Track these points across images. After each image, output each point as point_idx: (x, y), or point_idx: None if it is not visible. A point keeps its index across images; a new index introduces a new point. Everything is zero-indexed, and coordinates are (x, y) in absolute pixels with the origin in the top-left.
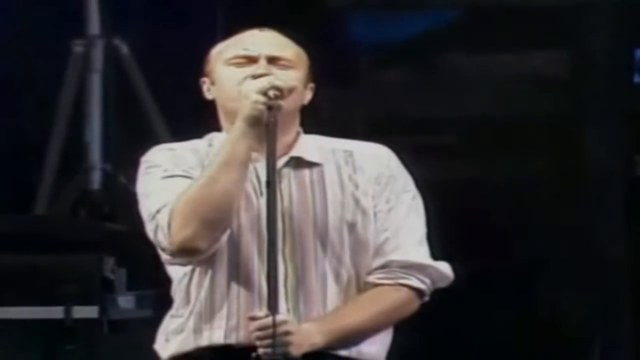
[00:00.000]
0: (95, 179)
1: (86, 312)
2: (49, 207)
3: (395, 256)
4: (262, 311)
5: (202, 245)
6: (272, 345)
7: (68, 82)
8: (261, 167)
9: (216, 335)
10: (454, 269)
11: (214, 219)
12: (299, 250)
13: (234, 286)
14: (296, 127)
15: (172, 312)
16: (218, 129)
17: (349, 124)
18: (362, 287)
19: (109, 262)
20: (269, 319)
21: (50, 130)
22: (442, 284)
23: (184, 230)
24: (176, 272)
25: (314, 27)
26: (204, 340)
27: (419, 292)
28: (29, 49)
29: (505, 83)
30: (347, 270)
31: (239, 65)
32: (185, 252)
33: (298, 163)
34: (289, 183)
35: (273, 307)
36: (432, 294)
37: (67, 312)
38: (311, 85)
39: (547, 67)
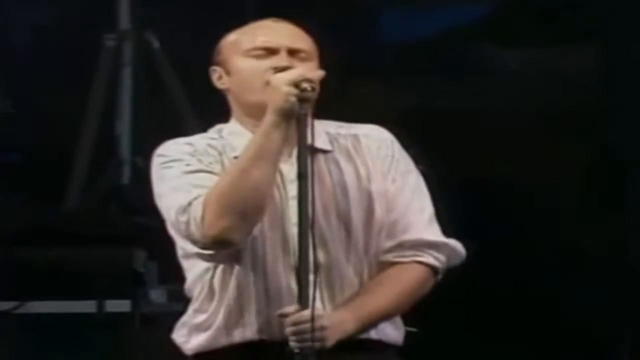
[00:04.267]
0: (126, 173)
1: (118, 306)
2: (80, 201)
3: (407, 236)
4: (292, 306)
5: (237, 236)
6: (308, 340)
7: (99, 76)
8: (283, 163)
9: (249, 331)
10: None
11: (248, 211)
12: (329, 239)
13: (261, 283)
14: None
15: (194, 305)
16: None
17: (378, 118)
18: (377, 266)
19: (140, 256)
20: (303, 314)
21: (81, 124)
22: (456, 261)
23: (218, 222)
24: (196, 266)
25: (343, 21)
26: (237, 337)
27: (434, 269)
28: (60, 42)
29: (534, 78)
30: (375, 252)
31: (258, 57)
32: (220, 244)
33: (312, 152)
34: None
35: (309, 301)
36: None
37: (99, 306)
38: None
39: (577, 62)
